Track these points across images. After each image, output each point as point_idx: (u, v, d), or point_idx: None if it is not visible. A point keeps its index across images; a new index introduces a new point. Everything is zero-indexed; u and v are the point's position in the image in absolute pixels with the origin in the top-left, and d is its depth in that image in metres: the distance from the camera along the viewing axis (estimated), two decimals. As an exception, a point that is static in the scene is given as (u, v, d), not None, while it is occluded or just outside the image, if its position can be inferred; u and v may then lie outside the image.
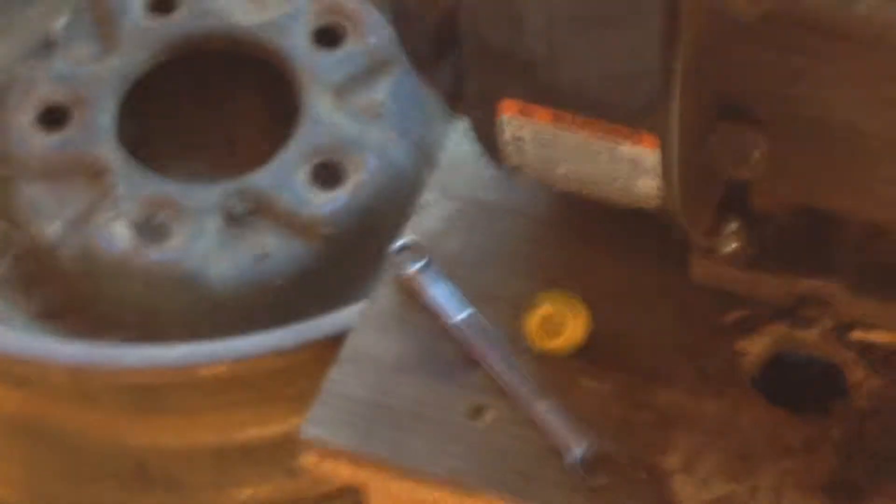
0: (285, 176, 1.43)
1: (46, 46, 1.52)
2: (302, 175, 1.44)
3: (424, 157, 1.47)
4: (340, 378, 1.12)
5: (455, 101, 1.11)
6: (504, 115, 1.06)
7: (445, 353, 1.13)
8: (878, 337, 1.11)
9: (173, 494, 1.35)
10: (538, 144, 1.06)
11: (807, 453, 1.08)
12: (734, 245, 1.10)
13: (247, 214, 1.42)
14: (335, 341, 1.21)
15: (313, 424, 1.11)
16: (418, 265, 1.15)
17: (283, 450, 1.33)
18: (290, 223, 1.42)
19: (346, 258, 1.42)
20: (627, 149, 1.04)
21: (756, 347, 1.13)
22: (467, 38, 1.04)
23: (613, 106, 1.03)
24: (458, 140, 1.21)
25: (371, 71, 1.49)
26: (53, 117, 1.47)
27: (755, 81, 1.02)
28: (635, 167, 1.05)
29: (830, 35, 0.99)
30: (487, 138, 1.08)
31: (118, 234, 1.41)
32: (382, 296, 1.16)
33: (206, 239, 1.40)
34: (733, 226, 1.09)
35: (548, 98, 1.04)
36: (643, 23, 0.98)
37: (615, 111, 1.03)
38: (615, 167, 1.06)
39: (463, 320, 1.13)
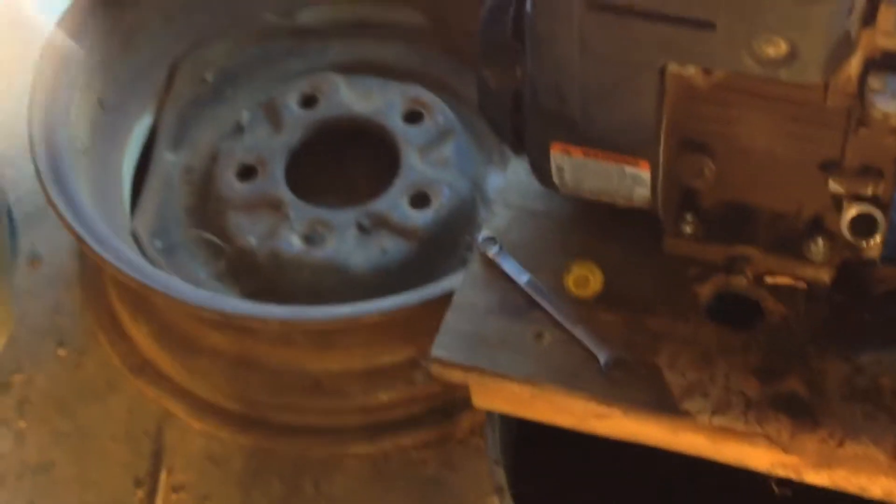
0: (394, 202, 1.46)
1: (238, 130, 1.53)
2: (404, 201, 1.46)
3: (476, 188, 1.49)
4: (453, 319, 1.12)
5: (517, 147, 1.12)
6: (553, 153, 1.08)
7: (517, 301, 1.13)
8: (781, 280, 1.12)
9: (337, 399, 1.37)
10: (574, 170, 1.09)
11: (743, 352, 1.09)
12: (690, 228, 1.11)
13: (372, 227, 1.44)
14: (439, 300, 1.24)
15: (438, 349, 1.10)
16: (495, 249, 1.16)
17: (406, 368, 1.35)
18: (399, 231, 1.44)
19: (433, 250, 1.44)
20: (630, 170, 1.07)
21: (707, 290, 1.13)
22: (530, 107, 1.06)
23: (623, 145, 1.05)
24: (511, 173, 1.22)
25: (441, 137, 1.51)
26: (247, 172, 1.49)
27: (706, 126, 1.05)
28: (634, 181, 1.08)
29: (754, 95, 1.02)
30: (541, 168, 1.11)
31: (293, 242, 1.43)
32: (474, 268, 1.15)
33: (347, 243, 1.43)
34: (690, 216, 1.10)
35: (581, 141, 1.06)
36: (643, 95, 1.01)
37: (624, 148, 1.05)
38: (622, 182, 1.08)
39: (526, 281, 1.13)
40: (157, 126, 1.55)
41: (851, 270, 1.12)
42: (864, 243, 1.06)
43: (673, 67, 0.99)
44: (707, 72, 1.00)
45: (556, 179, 1.10)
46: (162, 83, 1.57)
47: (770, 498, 1.16)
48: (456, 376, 1.11)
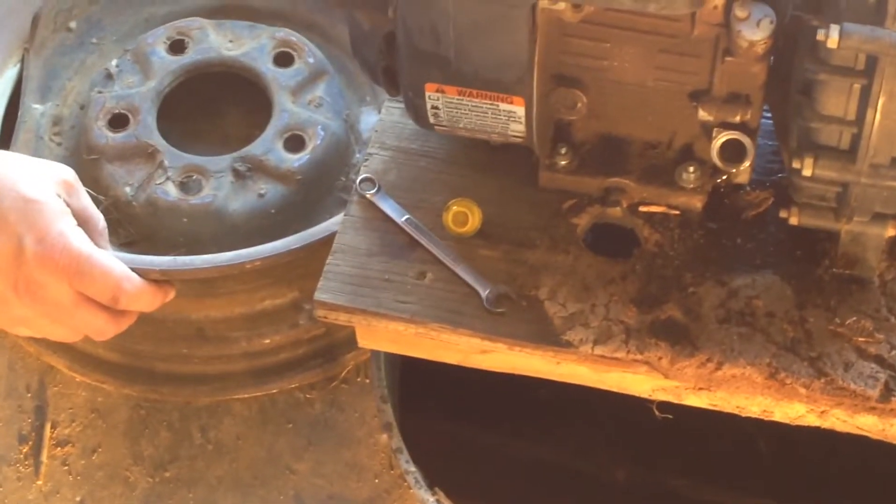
0: (269, 146, 1.43)
1: (107, 78, 1.50)
2: (279, 144, 1.44)
3: (350, 128, 1.48)
4: (335, 262, 1.11)
5: (392, 88, 1.12)
6: (427, 93, 1.07)
7: (398, 241, 1.13)
8: (655, 209, 1.13)
9: (221, 345, 1.36)
10: (449, 109, 1.08)
11: (622, 281, 1.10)
12: (564, 161, 1.11)
13: (248, 171, 1.42)
14: (322, 242, 1.23)
15: (321, 292, 1.10)
16: (373, 190, 1.15)
17: (289, 312, 1.34)
18: (275, 174, 1.42)
19: (309, 192, 1.43)
20: (505, 107, 1.06)
21: (583, 221, 1.13)
22: (403, 48, 1.05)
23: (497, 82, 1.05)
24: (386, 114, 1.22)
25: (312, 79, 1.49)
26: (118, 121, 1.46)
27: (578, 61, 1.05)
28: (509, 117, 1.07)
29: (623, 29, 1.02)
30: (416, 108, 1.10)
31: (169, 190, 1.40)
32: (353, 210, 1.15)
33: (224, 188, 1.41)
34: (563, 149, 1.11)
35: (456, 80, 1.05)
36: (515, 32, 1.01)
37: (498, 85, 1.05)
38: (497, 119, 1.08)
39: (406, 220, 1.13)
40: (22, 77, 1.51)
41: (722, 197, 1.14)
42: (733, 169, 1.07)
43: (543, 2, 0.99)
44: (576, 6, 1.00)
45: (431, 119, 1.10)
46: (25, 33, 1.52)
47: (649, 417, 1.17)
48: (341, 318, 1.11)
